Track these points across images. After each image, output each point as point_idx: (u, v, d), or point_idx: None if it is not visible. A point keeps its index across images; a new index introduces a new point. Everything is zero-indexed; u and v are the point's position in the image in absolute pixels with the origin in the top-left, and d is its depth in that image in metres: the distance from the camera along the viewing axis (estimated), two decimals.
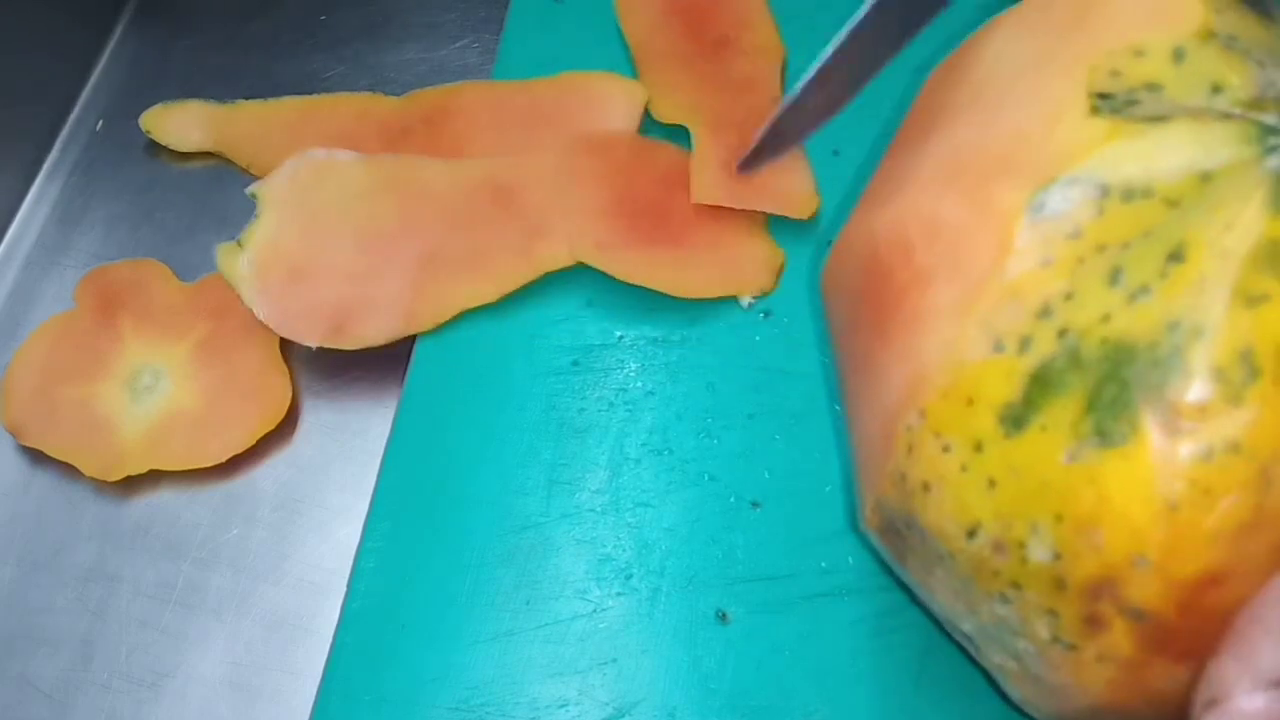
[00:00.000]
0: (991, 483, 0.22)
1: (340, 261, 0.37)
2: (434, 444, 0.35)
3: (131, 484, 0.37)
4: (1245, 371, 0.20)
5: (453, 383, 0.36)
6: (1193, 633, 0.21)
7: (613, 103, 0.40)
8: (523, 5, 0.44)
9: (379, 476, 0.35)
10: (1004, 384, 0.22)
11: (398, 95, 0.42)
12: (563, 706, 0.31)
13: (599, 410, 0.36)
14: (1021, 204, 0.22)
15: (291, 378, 0.38)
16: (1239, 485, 0.20)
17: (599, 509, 0.34)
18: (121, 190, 0.44)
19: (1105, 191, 0.22)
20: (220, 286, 0.38)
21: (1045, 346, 0.22)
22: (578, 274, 0.37)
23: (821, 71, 0.33)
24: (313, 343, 0.36)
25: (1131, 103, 0.22)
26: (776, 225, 0.38)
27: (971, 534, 0.23)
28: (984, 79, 0.25)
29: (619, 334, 0.37)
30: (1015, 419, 0.22)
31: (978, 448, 0.22)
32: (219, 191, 0.43)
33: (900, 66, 0.37)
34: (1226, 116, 0.22)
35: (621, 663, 0.32)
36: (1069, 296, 0.22)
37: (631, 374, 0.36)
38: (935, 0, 0.33)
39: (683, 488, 0.34)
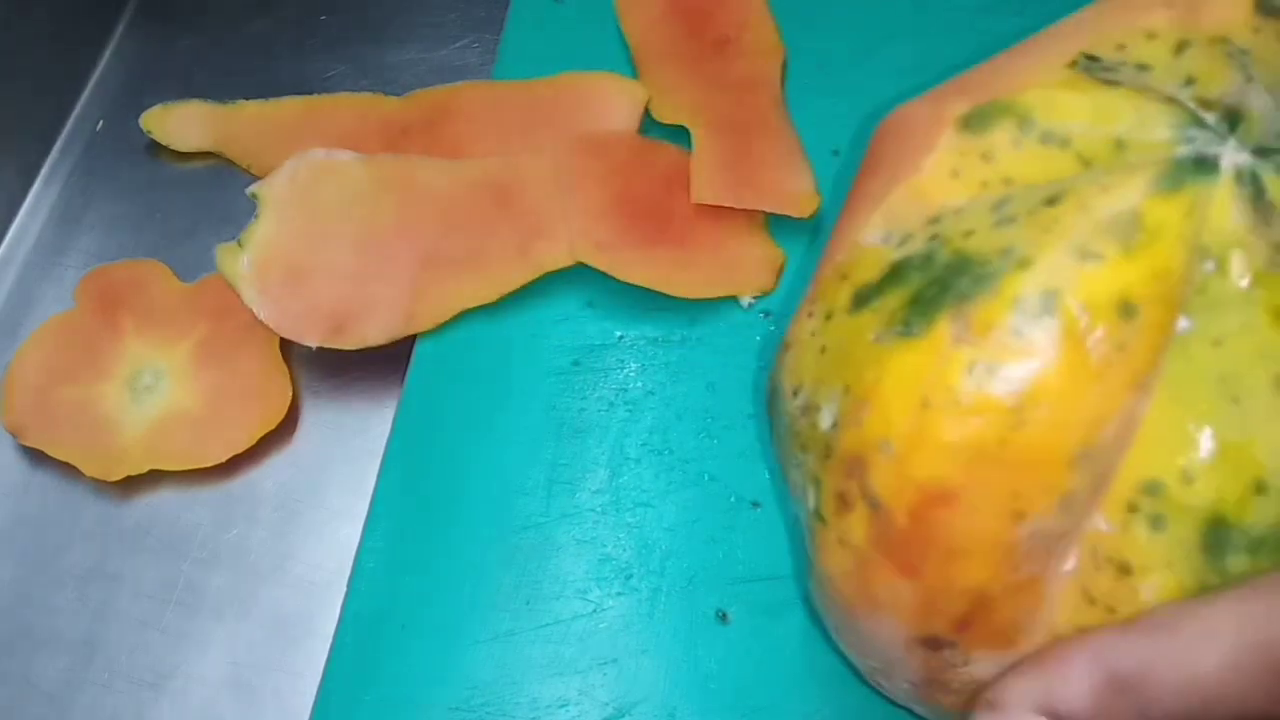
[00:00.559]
0: (823, 349, 0.24)
1: (340, 262, 0.37)
2: (434, 444, 0.35)
3: (132, 484, 0.37)
4: (1043, 311, 0.20)
5: (453, 383, 0.36)
6: (916, 546, 0.22)
7: (613, 103, 0.40)
8: (523, 5, 0.44)
9: (379, 476, 0.35)
10: (872, 268, 0.23)
11: (398, 95, 0.42)
12: (563, 706, 0.31)
13: (599, 410, 0.36)
14: (957, 116, 0.23)
15: (291, 378, 0.38)
16: (992, 411, 0.20)
17: (599, 509, 0.34)
18: (121, 190, 0.44)
19: (1029, 128, 0.22)
20: (220, 286, 0.38)
21: (916, 245, 0.23)
22: (578, 274, 0.37)
23: None
24: (313, 343, 0.36)
25: (1111, 69, 0.23)
26: (776, 225, 0.38)
27: (795, 393, 0.24)
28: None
29: (619, 334, 0.37)
30: (861, 299, 0.23)
31: (828, 317, 0.24)
32: (219, 191, 0.43)
33: (908, 72, 0.36)
34: (1171, 101, 0.22)
35: (621, 663, 0.32)
36: (959, 211, 0.22)
37: (631, 374, 0.36)
38: None
39: (683, 488, 0.34)
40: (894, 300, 0.22)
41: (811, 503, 0.24)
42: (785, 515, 0.33)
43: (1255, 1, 0.22)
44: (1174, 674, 0.19)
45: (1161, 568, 0.20)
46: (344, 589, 0.33)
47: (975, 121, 0.23)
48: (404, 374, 0.37)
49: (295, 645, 0.35)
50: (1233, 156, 0.21)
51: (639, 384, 0.36)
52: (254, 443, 0.37)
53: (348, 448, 0.38)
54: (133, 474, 0.36)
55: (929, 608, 0.22)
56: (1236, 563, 0.20)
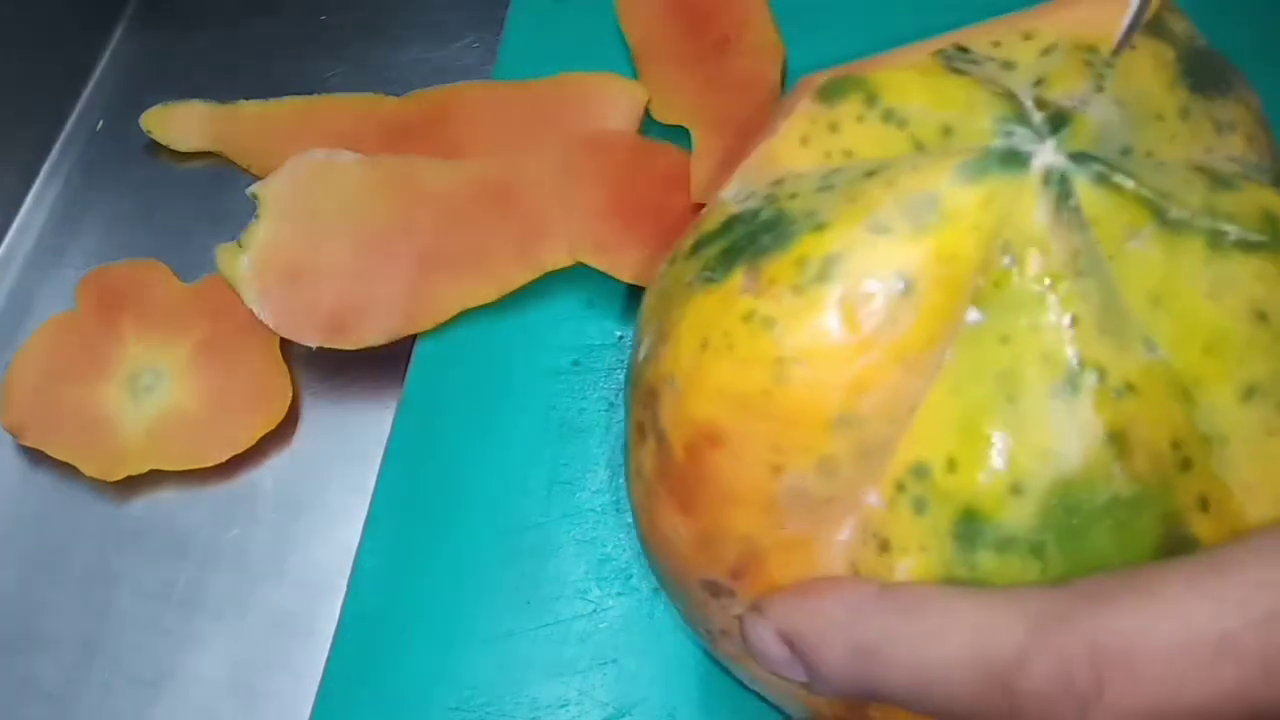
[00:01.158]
0: (662, 293, 0.24)
1: (340, 261, 0.37)
2: (434, 444, 0.35)
3: (132, 484, 0.37)
4: (822, 274, 0.20)
5: (453, 383, 0.36)
6: (692, 483, 0.22)
7: (613, 103, 0.40)
8: (523, 5, 0.44)
9: (379, 476, 0.35)
10: (715, 221, 0.24)
11: (398, 95, 0.42)
12: (563, 706, 0.31)
13: (599, 410, 0.36)
14: (816, 86, 0.24)
15: (291, 378, 0.38)
16: (760, 361, 0.21)
17: (599, 509, 0.34)
18: (121, 190, 0.44)
19: (874, 105, 0.23)
20: (220, 287, 0.38)
21: (753, 203, 0.23)
22: (578, 274, 0.37)
23: None
24: (313, 343, 0.36)
25: (975, 62, 0.23)
26: None
27: (640, 331, 0.25)
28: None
29: (619, 334, 0.37)
30: (696, 246, 0.24)
31: (671, 263, 0.25)
32: (219, 191, 0.43)
33: None
34: (1008, 96, 0.22)
35: (622, 663, 0.32)
36: (799, 176, 0.23)
37: None
38: None
39: None
40: (715, 249, 0.23)
41: (626, 436, 0.25)
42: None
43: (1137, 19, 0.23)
44: (907, 655, 0.19)
45: (916, 550, 0.20)
46: (344, 589, 0.33)
47: (829, 93, 0.23)
48: (404, 374, 0.37)
49: (295, 645, 0.35)
50: (1046, 157, 0.21)
51: None
52: (254, 443, 0.37)
53: (348, 448, 0.38)
54: (133, 474, 0.36)
55: (706, 548, 0.23)
56: (985, 558, 0.20)
